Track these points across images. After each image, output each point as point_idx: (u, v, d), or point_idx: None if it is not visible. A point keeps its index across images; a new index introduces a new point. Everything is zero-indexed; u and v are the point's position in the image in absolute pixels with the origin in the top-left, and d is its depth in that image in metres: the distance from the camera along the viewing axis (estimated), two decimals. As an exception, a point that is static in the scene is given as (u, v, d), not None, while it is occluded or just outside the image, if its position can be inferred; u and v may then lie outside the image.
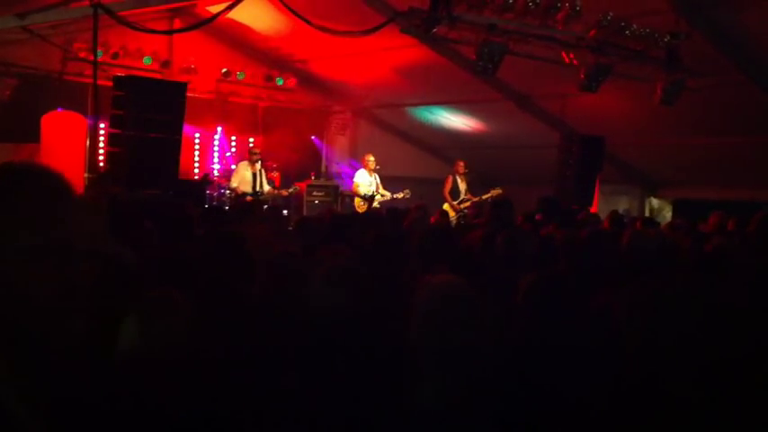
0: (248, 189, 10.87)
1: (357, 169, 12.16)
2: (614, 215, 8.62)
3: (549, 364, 2.55)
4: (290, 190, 11.65)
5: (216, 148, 13.45)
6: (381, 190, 11.73)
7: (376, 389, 1.86)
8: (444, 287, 1.84)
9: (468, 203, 11.72)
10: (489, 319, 1.83)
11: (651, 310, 2.19)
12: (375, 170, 11.75)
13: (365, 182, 11.72)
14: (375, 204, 11.54)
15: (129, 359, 2.02)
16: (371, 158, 11.81)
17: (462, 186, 11.90)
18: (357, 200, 11.69)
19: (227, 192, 11.45)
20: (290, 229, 6.50)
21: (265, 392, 2.21)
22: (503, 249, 4.10)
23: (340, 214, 7.58)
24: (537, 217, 7.31)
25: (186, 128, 9.57)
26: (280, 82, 13.43)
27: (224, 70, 12.72)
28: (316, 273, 2.62)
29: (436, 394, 1.69)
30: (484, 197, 11.75)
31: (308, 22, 8.65)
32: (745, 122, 10.51)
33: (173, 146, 8.92)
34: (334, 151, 15.22)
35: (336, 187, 13.34)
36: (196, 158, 13.15)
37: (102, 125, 10.17)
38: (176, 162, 9.06)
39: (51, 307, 1.24)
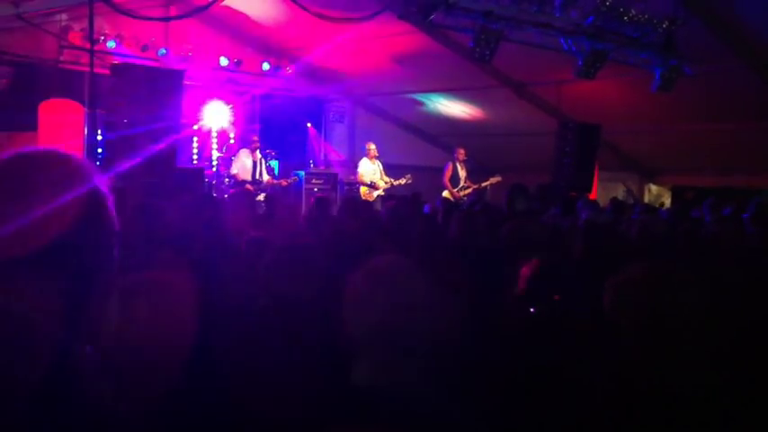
0: (248, 177, 10.86)
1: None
2: (615, 202, 8.65)
3: (543, 347, 2.56)
4: (290, 180, 11.67)
5: (214, 137, 13.41)
6: (384, 177, 11.80)
7: (328, 368, 1.86)
8: (377, 268, 1.81)
9: (468, 191, 11.71)
10: (437, 301, 1.79)
11: (648, 289, 2.19)
12: (377, 158, 11.80)
13: (369, 170, 11.79)
14: (380, 192, 11.60)
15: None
16: (373, 146, 11.90)
17: (462, 174, 11.88)
18: (363, 188, 11.73)
19: (227, 179, 11.45)
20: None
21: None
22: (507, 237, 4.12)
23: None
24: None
25: (183, 116, 9.54)
26: (277, 70, 13.37)
27: (221, 58, 12.67)
28: (268, 257, 2.64)
29: (369, 373, 1.69)
30: (483, 184, 11.75)
31: (304, 8, 8.61)
32: (743, 109, 10.49)
33: (170, 134, 8.90)
34: (333, 139, 15.19)
35: (335, 175, 13.33)
36: (194, 147, 13.12)
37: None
38: (174, 150, 9.05)
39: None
